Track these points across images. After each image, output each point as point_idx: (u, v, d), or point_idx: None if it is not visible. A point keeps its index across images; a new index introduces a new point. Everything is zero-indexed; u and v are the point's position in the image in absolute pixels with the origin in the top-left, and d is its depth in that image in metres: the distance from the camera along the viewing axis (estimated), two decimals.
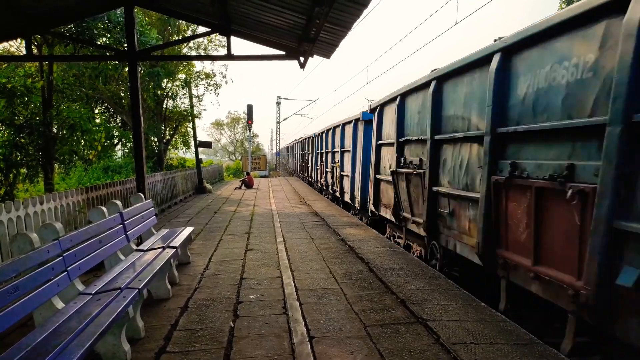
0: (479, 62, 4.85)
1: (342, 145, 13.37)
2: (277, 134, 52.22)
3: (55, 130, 12.83)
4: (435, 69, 6.15)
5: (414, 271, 5.59)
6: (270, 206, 13.00)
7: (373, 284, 5.08)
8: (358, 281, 5.18)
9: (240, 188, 20.30)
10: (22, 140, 11.86)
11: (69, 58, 12.17)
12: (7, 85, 11.03)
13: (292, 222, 9.81)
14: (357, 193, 11.27)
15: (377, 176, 9.01)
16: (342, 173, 13.48)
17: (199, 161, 18.82)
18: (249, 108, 35.11)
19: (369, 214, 10.23)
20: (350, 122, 12.07)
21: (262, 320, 4.02)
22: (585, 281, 3.18)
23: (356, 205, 11.53)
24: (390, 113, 8.09)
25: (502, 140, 4.42)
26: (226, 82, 26.44)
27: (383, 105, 8.65)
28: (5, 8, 7.18)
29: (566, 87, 3.50)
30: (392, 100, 7.95)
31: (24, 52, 9.00)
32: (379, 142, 8.86)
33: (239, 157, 58.08)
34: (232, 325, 3.89)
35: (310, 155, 22.01)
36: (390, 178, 7.85)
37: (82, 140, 13.90)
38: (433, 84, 6.02)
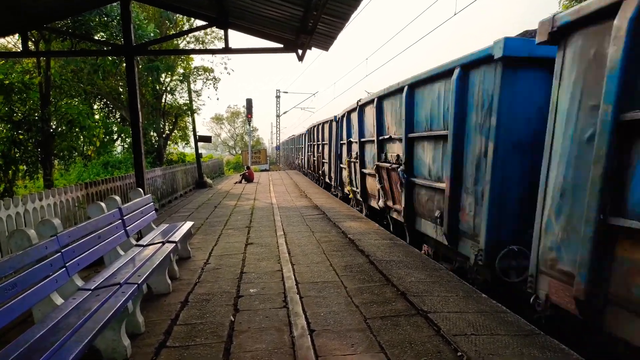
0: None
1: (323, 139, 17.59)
2: (277, 127, 52.11)
3: (53, 127, 12.78)
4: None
5: (414, 263, 5.58)
6: (271, 200, 12.99)
7: (373, 276, 5.08)
8: (358, 274, 5.18)
9: (240, 182, 20.29)
10: (21, 137, 11.81)
11: (66, 53, 12.11)
12: (4, 81, 10.97)
13: (292, 215, 9.80)
14: (327, 172, 16.57)
15: (340, 164, 14.63)
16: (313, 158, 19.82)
17: (198, 156, 18.78)
18: (249, 102, 35.06)
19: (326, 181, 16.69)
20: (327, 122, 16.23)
21: (262, 314, 4.02)
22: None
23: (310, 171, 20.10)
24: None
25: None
26: (228, 73, 26.98)
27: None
28: (2, 5, 7.12)
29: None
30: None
31: (21, 48, 8.95)
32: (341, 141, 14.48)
33: (239, 152, 58.02)
34: (233, 319, 3.89)
35: (303, 148, 26.85)
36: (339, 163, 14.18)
37: (81, 136, 13.85)
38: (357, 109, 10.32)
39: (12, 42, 15.63)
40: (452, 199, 5.39)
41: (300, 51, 8.52)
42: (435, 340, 3.39)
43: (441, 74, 5.66)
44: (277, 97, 48.71)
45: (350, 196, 11.44)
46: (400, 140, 7.01)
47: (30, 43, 10.65)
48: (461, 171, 5.26)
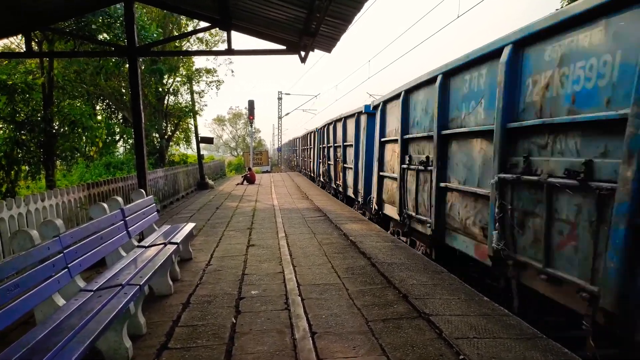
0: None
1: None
2: (278, 129, 52.13)
3: (56, 127, 12.81)
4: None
5: (416, 266, 5.57)
6: (272, 202, 12.99)
7: (375, 278, 5.07)
8: (360, 276, 5.17)
9: (242, 184, 20.30)
10: (23, 137, 11.84)
11: (69, 54, 12.15)
12: (7, 82, 11.00)
13: (294, 217, 9.80)
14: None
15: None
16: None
17: (200, 157, 18.82)
18: (251, 104, 35.10)
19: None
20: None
21: (264, 316, 4.01)
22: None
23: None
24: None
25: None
26: (233, 75, 27.36)
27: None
28: (4, 6, 7.14)
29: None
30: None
31: (24, 49, 8.97)
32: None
33: (241, 153, 58.09)
34: (234, 321, 3.88)
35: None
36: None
37: (84, 137, 13.87)
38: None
39: (16, 42, 15.68)
40: None
41: (302, 53, 8.52)
42: (437, 343, 3.38)
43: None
44: (279, 98, 48.75)
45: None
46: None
47: (33, 44, 10.69)
48: None
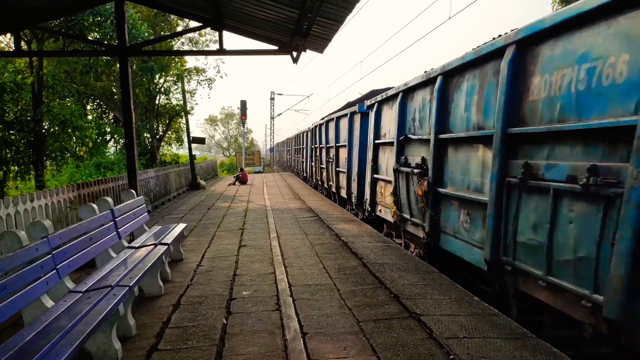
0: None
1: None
2: (271, 129, 52.06)
3: (46, 127, 12.69)
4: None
5: (407, 266, 5.58)
6: (264, 202, 12.96)
7: (367, 279, 5.08)
8: (352, 276, 5.17)
9: (234, 184, 20.24)
10: (12, 137, 11.71)
11: (59, 53, 12.05)
12: None
13: (286, 217, 9.79)
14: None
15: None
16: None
17: (192, 157, 18.73)
18: (243, 104, 35.06)
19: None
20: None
21: (255, 316, 4.00)
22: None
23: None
24: None
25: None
26: (221, 77, 27.34)
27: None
28: None
29: None
30: None
31: (13, 48, 8.88)
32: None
33: (233, 153, 57.89)
34: (225, 322, 3.87)
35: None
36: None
37: (74, 137, 13.76)
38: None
39: (5, 41, 15.51)
40: None
41: (294, 53, 8.52)
42: (427, 343, 3.40)
43: None
44: (272, 99, 48.67)
45: None
46: None
47: (22, 43, 10.58)
48: None
